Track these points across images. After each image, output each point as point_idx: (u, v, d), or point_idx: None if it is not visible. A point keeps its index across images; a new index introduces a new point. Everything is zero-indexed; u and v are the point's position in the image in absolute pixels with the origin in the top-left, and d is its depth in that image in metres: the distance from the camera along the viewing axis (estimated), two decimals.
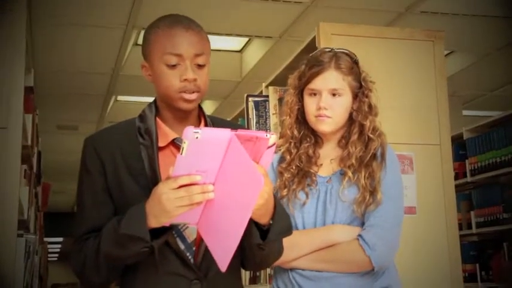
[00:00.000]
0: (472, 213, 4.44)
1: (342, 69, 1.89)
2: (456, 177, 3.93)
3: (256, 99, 3.34)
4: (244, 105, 3.37)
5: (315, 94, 1.90)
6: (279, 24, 4.96)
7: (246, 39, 5.63)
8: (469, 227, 4.48)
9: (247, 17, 4.84)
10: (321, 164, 1.93)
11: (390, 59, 3.01)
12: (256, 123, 3.29)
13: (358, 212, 1.83)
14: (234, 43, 5.78)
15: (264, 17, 4.81)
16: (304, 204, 1.87)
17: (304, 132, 1.95)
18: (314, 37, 2.92)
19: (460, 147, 4.52)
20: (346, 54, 1.94)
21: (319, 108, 1.88)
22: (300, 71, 1.97)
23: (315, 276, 1.83)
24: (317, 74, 1.89)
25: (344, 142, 1.93)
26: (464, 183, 4.53)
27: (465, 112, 7.07)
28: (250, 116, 3.32)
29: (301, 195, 1.88)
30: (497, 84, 6.58)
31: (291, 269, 1.86)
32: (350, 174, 1.85)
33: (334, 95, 1.89)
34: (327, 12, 4.58)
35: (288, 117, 1.98)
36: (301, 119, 1.96)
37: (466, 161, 4.48)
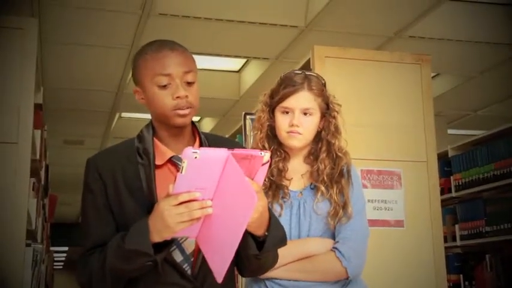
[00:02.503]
0: (457, 226, 4.44)
1: (314, 91, 1.94)
2: (442, 193, 3.93)
3: (254, 117, 3.33)
4: (242, 122, 3.38)
5: (287, 112, 1.94)
6: (276, 47, 4.98)
7: (244, 60, 5.66)
8: (454, 239, 4.48)
9: (246, 40, 4.87)
10: (291, 178, 1.96)
11: (380, 80, 3.03)
12: (253, 138, 3.29)
13: (331, 225, 1.88)
14: (233, 64, 5.81)
15: (262, 39, 4.84)
16: (279, 215, 1.89)
17: (274, 147, 1.98)
18: (309, 59, 2.93)
19: (446, 164, 4.53)
20: (316, 77, 1.99)
21: (291, 125, 1.92)
22: (272, 89, 2.01)
23: (293, 285, 1.86)
24: (291, 93, 1.93)
25: (312, 158, 1.97)
26: (449, 198, 4.53)
27: (450, 131, 7.10)
28: (247, 133, 3.32)
29: (276, 207, 1.91)
30: (480, 105, 6.62)
31: (267, 279, 1.87)
32: (323, 189, 1.89)
33: (305, 113, 1.93)
34: (321, 36, 4.61)
35: (258, 132, 2.02)
36: (271, 134, 2.00)
37: (451, 177, 4.48)
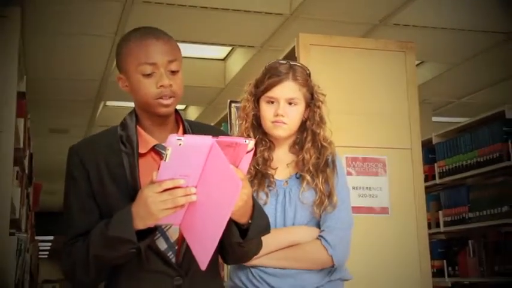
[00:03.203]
0: (440, 212, 4.48)
1: (299, 81, 1.94)
2: (426, 179, 3.96)
3: (239, 105, 3.33)
4: (227, 110, 3.37)
5: (272, 102, 1.94)
6: (261, 35, 4.96)
7: (229, 48, 5.63)
8: (438, 225, 4.52)
9: (231, 28, 4.84)
10: (277, 168, 1.96)
11: (365, 68, 3.04)
12: (238, 128, 3.28)
13: (317, 214, 1.89)
14: (218, 52, 5.78)
15: (247, 27, 4.82)
16: (265, 204, 1.89)
17: (259, 137, 1.98)
18: (294, 47, 2.93)
19: (430, 151, 4.56)
20: (301, 67, 1.99)
21: (276, 115, 1.92)
22: (257, 79, 2.01)
23: (280, 273, 1.86)
24: (276, 83, 1.93)
25: (297, 148, 1.98)
26: (433, 185, 4.57)
27: (434, 118, 7.13)
28: (233, 121, 3.32)
29: (262, 196, 1.91)
30: (464, 92, 6.65)
31: (252, 267, 1.87)
32: (308, 178, 1.90)
33: (290, 103, 1.94)
34: (306, 23, 4.60)
35: (243, 121, 2.02)
36: (256, 124, 2.00)
37: (435, 164, 4.52)
